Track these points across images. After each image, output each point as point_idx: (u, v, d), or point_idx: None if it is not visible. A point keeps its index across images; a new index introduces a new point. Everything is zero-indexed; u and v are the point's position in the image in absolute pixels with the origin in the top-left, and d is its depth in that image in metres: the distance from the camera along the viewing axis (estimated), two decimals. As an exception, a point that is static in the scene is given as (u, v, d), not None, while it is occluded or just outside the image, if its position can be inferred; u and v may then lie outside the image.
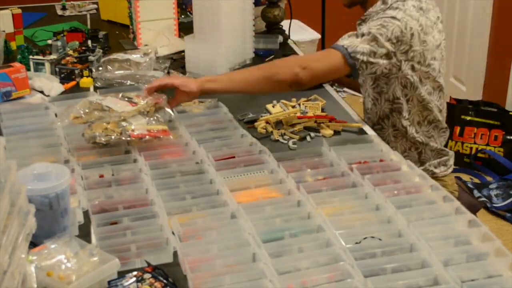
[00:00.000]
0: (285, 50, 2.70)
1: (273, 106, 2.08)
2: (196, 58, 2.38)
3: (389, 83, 1.99)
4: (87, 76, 2.32)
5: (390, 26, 1.85)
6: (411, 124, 2.04)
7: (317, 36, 3.96)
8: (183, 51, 2.52)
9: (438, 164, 2.10)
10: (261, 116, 2.02)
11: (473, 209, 1.89)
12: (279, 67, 1.90)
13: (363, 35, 1.86)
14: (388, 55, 1.87)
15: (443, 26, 2.04)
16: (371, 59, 1.85)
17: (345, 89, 4.62)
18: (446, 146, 2.15)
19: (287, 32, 2.85)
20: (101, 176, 1.66)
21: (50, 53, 2.45)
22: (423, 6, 1.93)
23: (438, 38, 1.98)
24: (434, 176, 2.03)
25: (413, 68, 1.93)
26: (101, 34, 2.79)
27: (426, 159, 2.09)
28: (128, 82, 2.29)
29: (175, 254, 1.35)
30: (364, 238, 1.37)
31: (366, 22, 1.97)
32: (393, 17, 1.87)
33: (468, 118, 3.65)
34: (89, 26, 3.02)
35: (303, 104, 2.10)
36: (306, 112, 2.05)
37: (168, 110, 1.86)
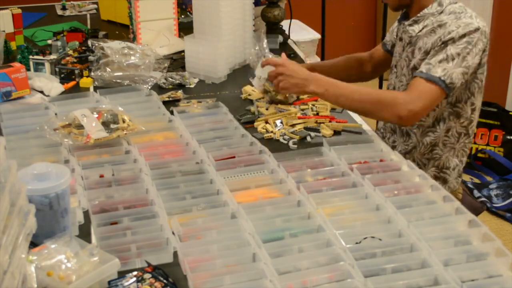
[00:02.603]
0: (285, 50, 2.71)
1: (266, 109, 2.07)
2: (196, 58, 2.38)
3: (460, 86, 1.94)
4: (87, 76, 2.32)
5: (474, 41, 1.85)
6: (466, 134, 2.02)
7: (317, 36, 3.95)
8: (183, 51, 2.52)
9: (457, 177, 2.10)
10: (258, 117, 2.02)
11: (476, 212, 1.89)
12: (386, 104, 1.85)
13: (453, 58, 1.84)
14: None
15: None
16: (464, 80, 1.87)
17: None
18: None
19: (287, 32, 2.85)
20: (101, 176, 1.66)
21: (50, 53, 2.45)
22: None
23: None
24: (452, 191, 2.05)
25: (475, 73, 1.94)
26: (101, 34, 2.79)
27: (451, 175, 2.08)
28: (126, 83, 2.29)
29: (175, 254, 1.35)
30: (364, 238, 1.37)
31: (419, 23, 1.97)
32: (476, 29, 1.86)
33: (468, 118, 3.64)
34: (89, 26, 3.02)
35: (312, 104, 2.09)
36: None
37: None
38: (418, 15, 1.97)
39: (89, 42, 2.46)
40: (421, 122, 2.00)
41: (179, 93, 2.19)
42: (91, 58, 2.40)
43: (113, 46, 2.34)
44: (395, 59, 2.11)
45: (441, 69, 1.84)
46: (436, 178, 2.04)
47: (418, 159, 2.06)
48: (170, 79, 2.33)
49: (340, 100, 1.90)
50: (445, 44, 1.86)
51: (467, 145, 2.06)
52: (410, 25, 2.00)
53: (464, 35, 1.85)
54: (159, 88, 2.26)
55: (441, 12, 1.93)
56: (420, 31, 1.96)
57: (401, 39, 2.07)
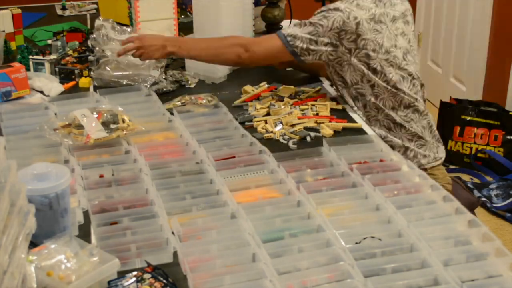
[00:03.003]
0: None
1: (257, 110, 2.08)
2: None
3: (343, 69, 2.08)
4: (85, 76, 2.32)
5: (332, 17, 1.99)
6: (383, 107, 2.09)
7: (317, 36, 3.95)
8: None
9: (423, 155, 2.13)
10: (255, 117, 2.02)
11: (471, 207, 1.90)
12: (225, 46, 2.12)
13: (305, 24, 2.02)
14: (332, 44, 2.01)
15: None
16: (311, 47, 2.02)
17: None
18: (438, 141, 2.22)
19: (287, 32, 2.85)
20: (101, 176, 1.66)
21: (50, 53, 2.45)
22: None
23: (402, 27, 2.11)
24: (422, 168, 2.05)
25: (368, 56, 2.02)
26: (101, 34, 2.79)
27: (408, 142, 2.12)
28: (125, 82, 2.29)
29: (175, 254, 1.35)
30: (364, 238, 1.37)
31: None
32: (336, 8, 2.00)
33: (468, 118, 3.65)
34: (89, 26, 3.02)
35: (312, 105, 2.09)
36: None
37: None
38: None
39: (89, 42, 2.45)
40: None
41: (187, 98, 2.16)
42: (91, 58, 2.40)
43: (113, 48, 2.33)
44: None
45: (291, 29, 2.04)
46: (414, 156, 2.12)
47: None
48: (171, 77, 2.33)
49: (192, 53, 2.18)
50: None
51: (389, 117, 2.11)
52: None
53: (322, 11, 2.02)
54: (164, 94, 2.24)
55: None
56: None
57: None
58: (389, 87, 2.06)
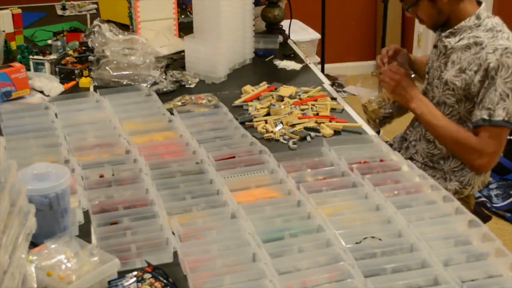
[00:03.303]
0: (285, 50, 2.71)
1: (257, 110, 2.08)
2: (196, 58, 2.38)
3: None
4: (86, 76, 2.32)
5: None
6: None
7: (317, 36, 3.96)
8: (183, 51, 2.52)
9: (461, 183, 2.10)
10: (255, 117, 2.02)
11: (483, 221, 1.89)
12: (464, 152, 1.96)
13: (508, 95, 1.85)
14: None
15: None
16: None
17: (345, 89, 4.63)
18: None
19: (287, 32, 2.85)
20: (101, 176, 1.66)
21: (50, 53, 2.45)
22: None
23: None
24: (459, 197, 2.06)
25: None
26: (101, 34, 2.79)
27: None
28: (125, 82, 2.29)
29: (175, 254, 1.35)
30: (364, 238, 1.37)
31: (455, 36, 1.97)
32: None
33: (468, 118, 3.64)
34: (89, 26, 3.02)
35: (312, 105, 2.09)
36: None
37: None
38: (456, 27, 1.98)
39: (89, 42, 2.45)
40: None
41: (187, 98, 2.17)
42: (91, 58, 2.40)
43: (113, 48, 2.33)
44: (428, 66, 2.12)
45: (502, 110, 1.87)
46: (455, 192, 2.07)
47: (445, 171, 2.08)
48: (171, 77, 2.33)
49: (429, 128, 2.03)
50: (487, 76, 1.87)
51: None
52: (446, 36, 2.01)
53: (509, 67, 1.85)
54: (164, 94, 2.23)
55: (479, 26, 1.94)
56: (456, 43, 1.96)
57: (435, 47, 2.07)
58: None
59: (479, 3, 1.99)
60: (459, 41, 1.96)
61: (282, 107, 2.06)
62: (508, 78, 1.86)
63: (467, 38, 1.94)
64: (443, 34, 2.01)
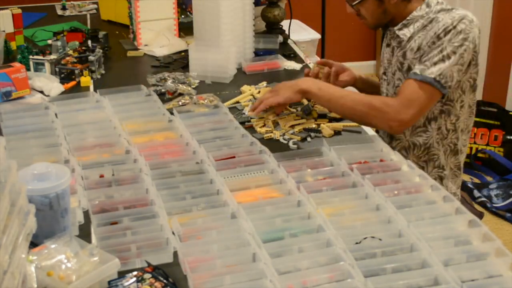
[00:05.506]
0: (285, 50, 2.71)
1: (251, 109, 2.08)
2: (203, 66, 2.35)
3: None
4: (85, 76, 2.32)
5: (471, 35, 1.84)
6: (454, 130, 2.00)
7: (317, 36, 3.96)
8: (183, 51, 2.52)
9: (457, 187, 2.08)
10: (252, 118, 2.02)
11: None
12: (375, 115, 1.86)
13: (449, 57, 1.82)
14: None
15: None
16: (459, 78, 1.86)
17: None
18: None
19: (287, 32, 2.85)
20: (101, 176, 1.66)
21: (50, 53, 2.45)
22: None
23: None
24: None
25: (470, 72, 1.92)
26: (101, 34, 2.79)
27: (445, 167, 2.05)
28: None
29: (175, 254, 1.35)
30: (364, 238, 1.37)
31: (408, 26, 1.94)
32: (471, 21, 1.86)
33: (468, 118, 3.64)
34: (89, 26, 3.02)
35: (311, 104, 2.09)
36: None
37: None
38: (408, 18, 1.95)
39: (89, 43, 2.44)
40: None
41: (187, 98, 2.16)
42: (91, 58, 2.40)
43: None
44: (384, 66, 2.08)
45: (437, 69, 1.82)
46: (438, 178, 2.04)
47: (414, 162, 2.02)
48: (172, 78, 2.33)
49: (331, 102, 1.92)
50: (438, 38, 1.84)
51: (453, 140, 2.03)
52: (399, 29, 1.97)
53: (460, 32, 1.83)
54: (164, 94, 2.23)
55: (430, 12, 1.92)
56: (412, 32, 1.94)
57: (388, 45, 2.04)
58: (469, 106, 2.02)
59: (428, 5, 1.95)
60: (413, 29, 1.93)
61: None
62: (455, 42, 1.83)
63: (421, 23, 1.92)
64: (395, 28, 1.98)
